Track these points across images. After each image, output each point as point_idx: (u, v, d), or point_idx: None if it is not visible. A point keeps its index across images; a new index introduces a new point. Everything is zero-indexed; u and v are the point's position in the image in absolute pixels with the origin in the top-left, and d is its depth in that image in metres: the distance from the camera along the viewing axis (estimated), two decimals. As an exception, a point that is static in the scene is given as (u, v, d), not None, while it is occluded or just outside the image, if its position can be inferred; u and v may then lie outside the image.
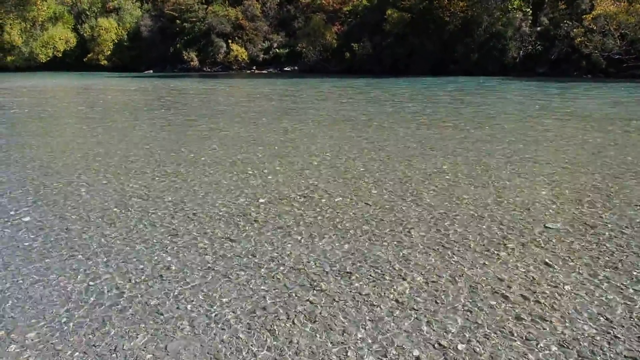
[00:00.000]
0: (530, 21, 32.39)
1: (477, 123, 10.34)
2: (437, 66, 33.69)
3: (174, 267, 3.37)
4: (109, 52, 52.02)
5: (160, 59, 49.17)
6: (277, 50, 45.83)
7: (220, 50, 46.25)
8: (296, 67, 43.65)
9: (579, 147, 7.51)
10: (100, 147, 7.87)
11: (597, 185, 5.32)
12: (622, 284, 3.06)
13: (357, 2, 41.30)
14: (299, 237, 3.89)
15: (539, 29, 32.28)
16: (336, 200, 4.85)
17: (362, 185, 5.38)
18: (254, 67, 46.01)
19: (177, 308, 2.83)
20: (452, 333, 2.55)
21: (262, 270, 3.31)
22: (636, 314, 2.71)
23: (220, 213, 4.50)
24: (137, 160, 6.84)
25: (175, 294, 3.00)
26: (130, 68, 49.11)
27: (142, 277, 3.22)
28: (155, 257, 3.54)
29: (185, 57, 47.08)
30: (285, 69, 44.48)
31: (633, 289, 2.99)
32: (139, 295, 2.99)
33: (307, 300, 2.90)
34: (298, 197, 4.98)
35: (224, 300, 2.92)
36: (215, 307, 2.84)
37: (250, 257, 3.53)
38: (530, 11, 32.44)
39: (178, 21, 47.42)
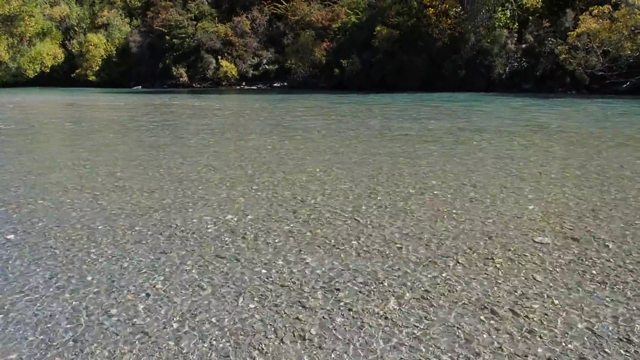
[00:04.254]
0: (515, 38, 32.95)
1: (460, 138, 10.43)
2: (425, 82, 34.06)
3: (160, 285, 3.32)
4: (98, 67, 51.88)
5: (149, 75, 49.13)
6: (267, 66, 46.06)
7: (210, 66, 46.37)
8: (285, 83, 43.86)
9: (564, 162, 7.60)
10: (88, 163, 7.80)
11: (583, 199, 5.38)
12: (609, 298, 3.07)
13: (346, 19, 41.77)
14: (288, 254, 3.87)
15: (524, 46, 32.82)
16: (325, 216, 4.84)
17: (351, 201, 5.38)
18: (244, 83, 46.15)
19: (164, 327, 2.79)
20: (442, 350, 2.53)
21: (250, 287, 3.28)
22: (624, 328, 2.72)
23: (209, 230, 4.47)
24: (124, 176, 6.78)
25: (162, 312, 2.96)
26: (119, 84, 48.96)
27: (128, 296, 3.17)
28: (142, 275, 3.49)
29: (175, 73, 47.09)
30: (275, 84, 44.68)
31: (620, 303, 3.00)
32: (125, 314, 2.94)
33: (296, 318, 2.88)
34: (286, 213, 4.96)
35: (212, 318, 2.88)
36: (202, 325, 2.80)
37: (238, 274, 3.50)
38: (516, 28, 33.03)
39: (167, 37, 47.50)
